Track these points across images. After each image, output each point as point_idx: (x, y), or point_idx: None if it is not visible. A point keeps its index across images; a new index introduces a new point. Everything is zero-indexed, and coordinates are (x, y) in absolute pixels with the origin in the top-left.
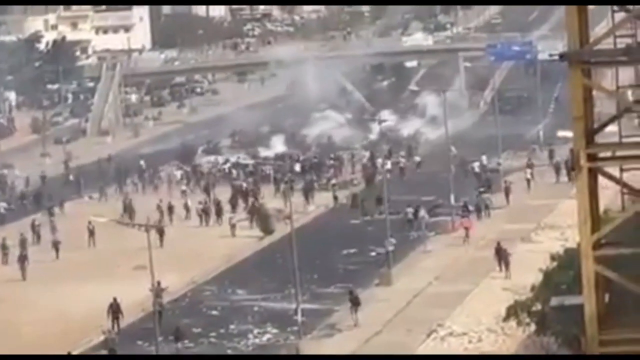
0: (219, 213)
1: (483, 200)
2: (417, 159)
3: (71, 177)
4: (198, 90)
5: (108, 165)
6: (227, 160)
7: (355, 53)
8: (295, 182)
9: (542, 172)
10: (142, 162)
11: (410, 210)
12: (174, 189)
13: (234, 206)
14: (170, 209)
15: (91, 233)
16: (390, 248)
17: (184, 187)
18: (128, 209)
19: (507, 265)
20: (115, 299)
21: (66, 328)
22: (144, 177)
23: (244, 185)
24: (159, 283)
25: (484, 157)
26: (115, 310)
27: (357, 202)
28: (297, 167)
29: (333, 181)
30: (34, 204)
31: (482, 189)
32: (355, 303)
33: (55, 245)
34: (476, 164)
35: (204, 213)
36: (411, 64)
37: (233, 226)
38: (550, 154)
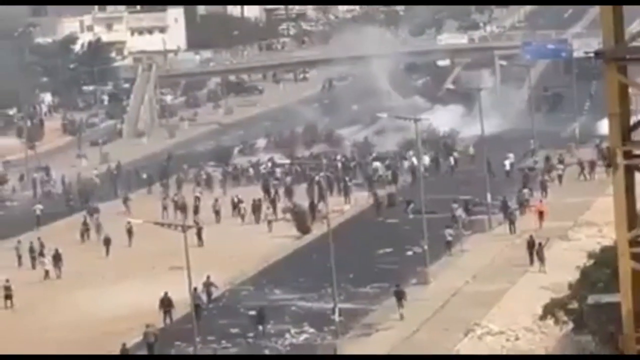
0: (256, 212)
1: (523, 196)
2: (454, 156)
3: (112, 176)
4: (260, 88)
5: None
6: (258, 161)
7: (390, 52)
8: (331, 182)
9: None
10: (184, 166)
11: (455, 206)
12: (212, 189)
13: (274, 207)
14: (217, 211)
15: (130, 233)
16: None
17: (219, 188)
18: (180, 207)
19: (541, 260)
20: (166, 293)
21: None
22: (181, 177)
23: (281, 185)
24: (208, 277)
25: (511, 155)
26: (167, 304)
27: (394, 201)
28: (333, 167)
29: (370, 181)
30: (72, 205)
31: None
32: (401, 297)
33: (107, 242)
34: (507, 162)
35: (241, 213)
36: (444, 62)
37: (269, 223)
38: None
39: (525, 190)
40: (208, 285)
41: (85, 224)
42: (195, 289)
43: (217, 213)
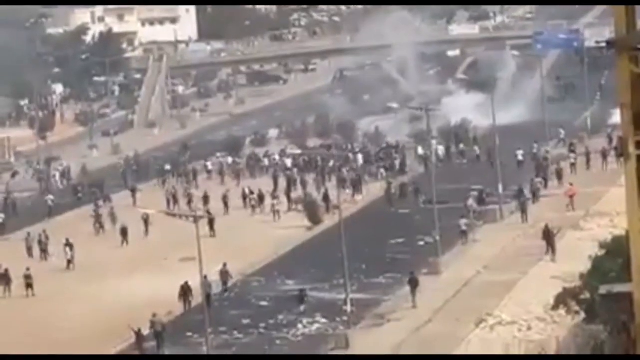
0: (261, 203)
1: (536, 185)
2: (460, 147)
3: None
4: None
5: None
6: (267, 152)
7: (401, 43)
8: (343, 172)
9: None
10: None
11: (474, 194)
12: (223, 180)
13: (287, 197)
14: (225, 200)
15: (146, 223)
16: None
17: (232, 179)
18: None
19: (553, 248)
20: (187, 282)
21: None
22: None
23: (292, 175)
24: (225, 265)
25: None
26: (186, 292)
27: (406, 191)
28: (345, 157)
29: (381, 171)
30: (80, 197)
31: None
32: (415, 285)
33: (124, 233)
34: (520, 152)
35: (253, 204)
36: (453, 53)
37: (275, 213)
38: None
39: (538, 179)
40: (224, 273)
41: (98, 214)
42: (205, 276)
43: (226, 204)
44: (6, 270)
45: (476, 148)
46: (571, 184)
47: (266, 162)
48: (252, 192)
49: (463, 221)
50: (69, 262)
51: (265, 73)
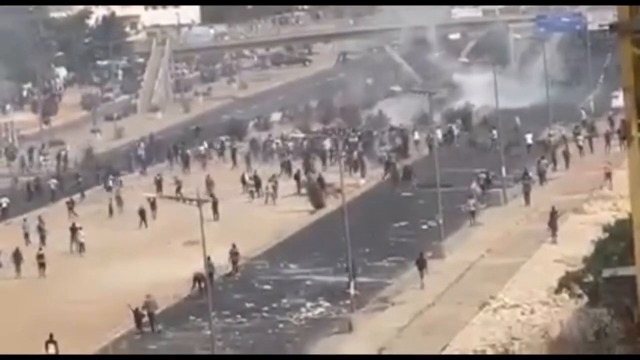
0: (260, 185)
1: (542, 167)
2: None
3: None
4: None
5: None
6: (270, 136)
7: (403, 26)
8: (346, 156)
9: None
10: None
11: (483, 176)
12: (225, 164)
13: (297, 179)
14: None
15: (152, 207)
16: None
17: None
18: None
19: (554, 229)
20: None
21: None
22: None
23: (294, 159)
24: (234, 245)
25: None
26: (199, 278)
27: (409, 175)
28: (348, 141)
29: (384, 154)
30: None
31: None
32: (422, 266)
33: (142, 214)
34: (529, 136)
35: (251, 189)
36: (454, 36)
37: (270, 195)
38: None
39: (544, 161)
40: (234, 254)
41: (114, 197)
42: (209, 257)
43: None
44: (17, 250)
45: (494, 132)
46: (609, 163)
47: (275, 146)
48: (250, 178)
49: (471, 201)
50: (81, 245)
51: (289, 55)
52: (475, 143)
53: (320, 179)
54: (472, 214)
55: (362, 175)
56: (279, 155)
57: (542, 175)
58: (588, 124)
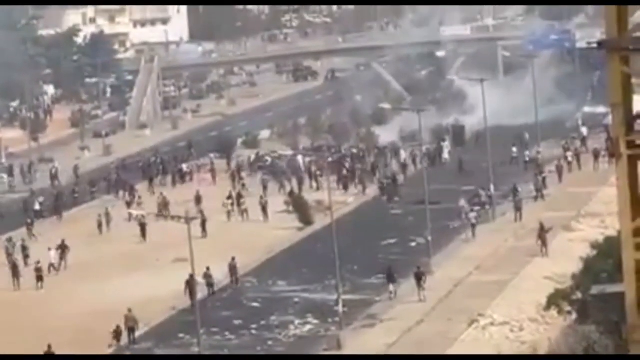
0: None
1: (539, 182)
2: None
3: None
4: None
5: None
6: (258, 153)
7: (392, 43)
8: (334, 173)
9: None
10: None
11: (483, 193)
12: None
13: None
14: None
15: (141, 226)
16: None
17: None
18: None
19: (544, 242)
20: (192, 276)
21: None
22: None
23: (283, 176)
24: (233, 258)
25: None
26: (191, 288)
27: (397, 192)
28: (336, 158)
29: (376, 172)
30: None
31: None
32: (420, 279)
33: (142, 226)
34: (514, 149)
35: (229, 209)
36: (441, 53)
37: (245, 212)
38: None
39: (542, 176)
40: (233, 267)
41: (101, 215)
42: (208, 268)
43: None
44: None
45: (514, 149)
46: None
47: (255, 163)
48: (228, 197)
49: (472, 215)
50: (51, 265)
51: (301, 70)
52: (463, 161)
53: (292, 193)
54: (474, 226)
55: (350, 193)
56: (266, 172)
57: (539, 190)
58: (577, 141)
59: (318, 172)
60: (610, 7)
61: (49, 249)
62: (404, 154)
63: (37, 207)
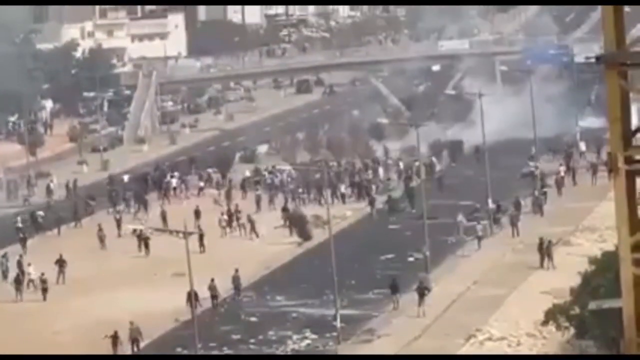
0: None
1: (540, 198)
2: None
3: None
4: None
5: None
6: (256, 167)
7: (390, 58)
8: (332, 188)
9: (580, 175)
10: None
11: (492, 207)
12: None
13: (283, 211)
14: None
15: (140, 240)
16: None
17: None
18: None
19: (549, 256)
20: (189, 293)
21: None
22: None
23: (282, 191)
24: (236, 270)
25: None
26: (191, 302)
27: (396, 207)
28: (334, 173)
29: (373, 186)
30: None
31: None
32: (422, 294)
33: (145, 241)
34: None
35: (223, 224)
36: (436, 68)
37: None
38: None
39: (544, 189)
40: (236, 278)
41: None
42: (212, 279)
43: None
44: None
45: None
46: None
47: (253, 178)
48: (223, 213)
49: (479, 227)
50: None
51: (313, 83)
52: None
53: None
54: (479, 239)
55: (348, 208)
56: (264, 187)
57: (540, 206)
58: (575, 155)
59: (315, 187)
60: (608, 20)
61: (29, 265)
62: (401, 167)
63: (39, 220)
